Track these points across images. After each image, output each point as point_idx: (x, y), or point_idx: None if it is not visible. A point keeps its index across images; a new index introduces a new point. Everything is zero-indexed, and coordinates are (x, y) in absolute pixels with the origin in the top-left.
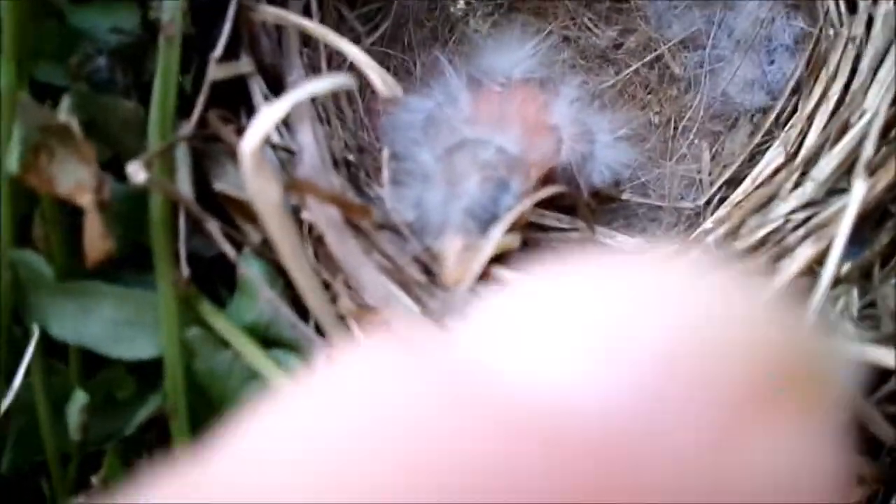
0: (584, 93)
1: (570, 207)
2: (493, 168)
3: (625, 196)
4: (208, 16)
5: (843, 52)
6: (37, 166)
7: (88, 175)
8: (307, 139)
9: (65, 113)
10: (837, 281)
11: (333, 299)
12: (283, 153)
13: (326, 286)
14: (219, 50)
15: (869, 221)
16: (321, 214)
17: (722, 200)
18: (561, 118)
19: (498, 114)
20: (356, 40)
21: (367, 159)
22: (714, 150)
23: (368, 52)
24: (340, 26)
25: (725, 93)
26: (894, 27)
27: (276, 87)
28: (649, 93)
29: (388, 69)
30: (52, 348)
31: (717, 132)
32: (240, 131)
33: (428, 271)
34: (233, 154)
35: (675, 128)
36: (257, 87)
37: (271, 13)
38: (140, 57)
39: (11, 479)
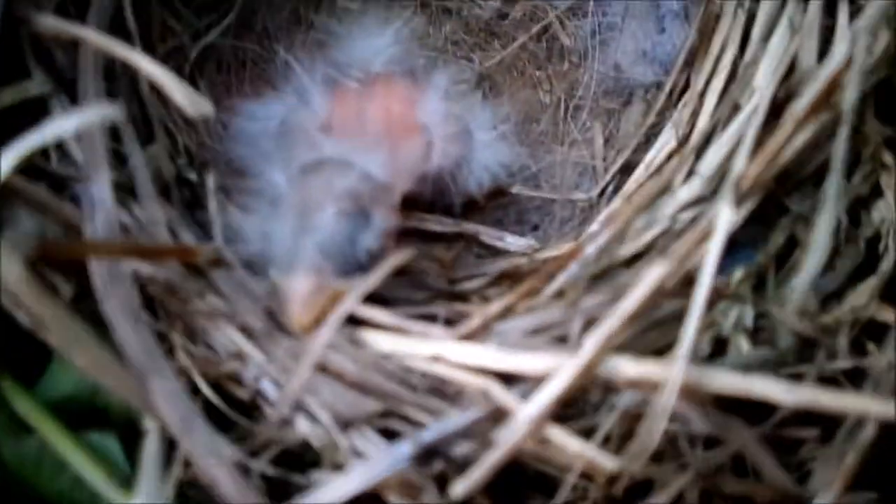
0: (464, 77)
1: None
2: (352, 198)
3: (515, 190)
4: None
5: (734, 19)
6: None
7: None
8: (99, 189)
9: None
10: (718, 294)
11: (171, 352)
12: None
13: (162, 338)
14: None
15: (763, 218)
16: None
17: (616, 190)
18: (432, 115)
19: (357, 116)
20: (195, 36)
21: (213, 175)
22: (608, 131)
23: (213, 48)
24: (176, 21)
25: (617, 65)
26: None
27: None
28: (539, 68)
29: (242, 65)
30: None
31: (611, 110)
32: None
33: (271, 315)
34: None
35: (567, 108)
36: (60, 110)
37: (49, 24)
38: None
39: None
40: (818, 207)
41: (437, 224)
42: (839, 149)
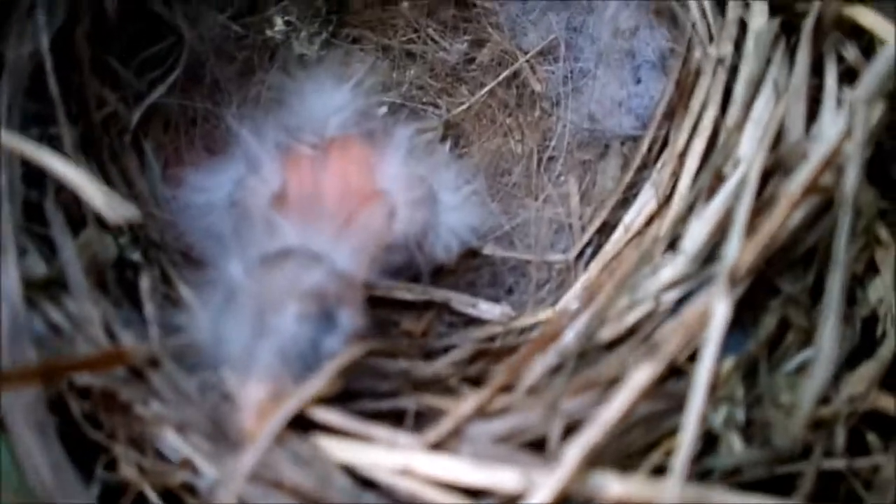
0: (430, 125)
1: (419, 275)
2: (317, 298)
3: (487, 250)
4: None
5: (714, 76)
6: None
7: None
8: (7, 287)
9: None
10: (715, 386)
11: (113, 465)
12: None
13: (104, 450)
14: None
15: (753, 302)
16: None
17: (595, 251)
18: (393, 180)
19: (312, 185)
20: (138, 97)
21: (160, 252)
22: (584, 185)
23: (158, 106)
24: (111, 87)
25: (592, 115)
26: (766, 49)
27: None
28: (509, 116)
29: (192, 122)
30: None
31: (587, 161)
32: None
33: (218, 423)
34: None
35: (540, 159)
36: None
37: None
38: None
39: None
40: (822, 311)
41: (404, 292)
42: (841, 240)
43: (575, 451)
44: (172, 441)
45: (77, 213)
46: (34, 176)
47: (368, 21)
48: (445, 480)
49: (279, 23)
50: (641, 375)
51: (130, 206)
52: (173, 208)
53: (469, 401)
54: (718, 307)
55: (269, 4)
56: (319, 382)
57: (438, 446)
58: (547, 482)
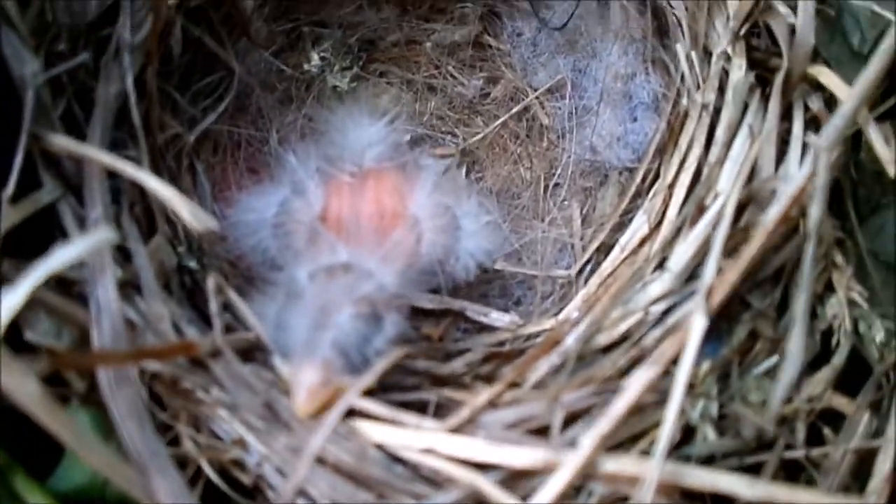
0: (449, 151)
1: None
2: (369, 304)
3: (499, 266)
4: None
5: (699, 119)
6: None
7: None
8: (104, 293)
9: None
10: (693, 385)
11: (176, 442)
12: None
13: (168, 428)
14: (11, 189)
15: (727, 314)
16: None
17: (594, 268)
18: (422, 208)
19: (350, 209)
20: (192, 123)
21: (213, 261)
22: (585, 210)
23: (208, 132)
24: (174, 110)
25: (593, 147)
26: (744, 98)
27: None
28: (520, 145)
29: (237, 146)
30: None
31: (588, 188)
32: None
33: (270, 406)
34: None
35: (546, 186)
36: (68, 211)
37: (65, 145)
38: None
39: None
40: (789, 324)
41: (425, 301)
42: (806, 266)
43: (590, 439)
44: (227, 422)
45: (144, 226)
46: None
47: (394, 58)
48: (466, 458)
49: (315, 58)
50: (644, 375)
51: (211, 217)
52: (223, 224)
53: (483, 394)
54: (697, 318)
55: (307, 42)
56: (372, 376)
57: (457, 430)
58: (569, 464)
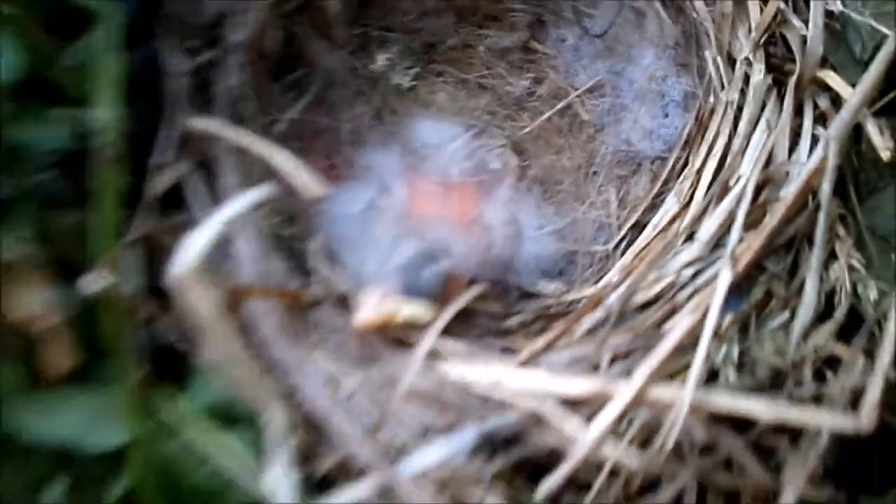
0: (500, 143)
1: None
2: (428, 248)
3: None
4: (143, 124)
5: (724, 115)
6: None
7: (38, 305)
8: (245, 244)
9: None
10: (714, 335)
11: None
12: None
13: None
14: (157, 161)
15: (747, 276)
16: (261, 311)
17: (629, 244)
18: (494, 219)
19: (435, 210)
20: (281, 109)
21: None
22: (620, 194)
23: (294, 122)
24: (268, 98)
25: (628, 140)
26: (762, 97)
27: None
28: (562, 138)
29: (315, 134)
30: None
31: (623, 176)
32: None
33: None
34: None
35: (586, 173)
36: (197, 188)
37: (202, 125)
38: (80, 165)
39: None
40: (805, 275)
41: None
42: (819, 235)
43: (643, 371)
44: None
45: None
46: None
47: (451, 60)
48: (534, 390)
49: (382, 59)
50: (685, 321)
51: (321, 185)
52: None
53: (541, 339)
54: (724, 274)
55: (375, 44)
56: (451, 312)
57: (524, 365)
58: (625, 392)
